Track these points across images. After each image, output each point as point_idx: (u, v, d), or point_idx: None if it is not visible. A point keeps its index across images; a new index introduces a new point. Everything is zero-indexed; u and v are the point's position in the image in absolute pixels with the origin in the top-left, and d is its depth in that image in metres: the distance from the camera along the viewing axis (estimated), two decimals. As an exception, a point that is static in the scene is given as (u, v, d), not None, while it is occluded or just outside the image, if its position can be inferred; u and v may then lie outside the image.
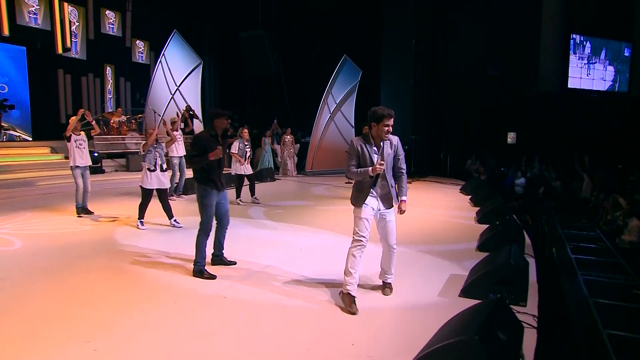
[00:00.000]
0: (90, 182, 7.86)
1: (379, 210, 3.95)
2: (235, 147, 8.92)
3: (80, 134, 7.67)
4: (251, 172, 9.11)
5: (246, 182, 9.16)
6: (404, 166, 4.09)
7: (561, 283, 4.65)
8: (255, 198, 9.20)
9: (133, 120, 14.65)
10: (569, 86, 18.97)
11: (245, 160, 8.91)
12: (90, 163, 7.84)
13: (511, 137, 18.76)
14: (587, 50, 18.92)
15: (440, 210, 8.82)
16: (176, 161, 9.52)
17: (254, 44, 15.07)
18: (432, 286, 4.47)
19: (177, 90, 16.33)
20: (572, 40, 18.61)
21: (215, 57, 18.87)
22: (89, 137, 8.07)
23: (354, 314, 3.72)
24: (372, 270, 4.60)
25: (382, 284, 4.30)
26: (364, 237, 3.85)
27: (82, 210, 7.80)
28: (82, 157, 7.60)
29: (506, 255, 4.20)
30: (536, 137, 17.50)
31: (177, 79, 16.42)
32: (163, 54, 15.86)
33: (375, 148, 3.91)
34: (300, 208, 8.90)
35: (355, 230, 3.87)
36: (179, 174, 9.53)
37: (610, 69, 19.31)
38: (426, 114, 16.73)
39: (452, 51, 17.17)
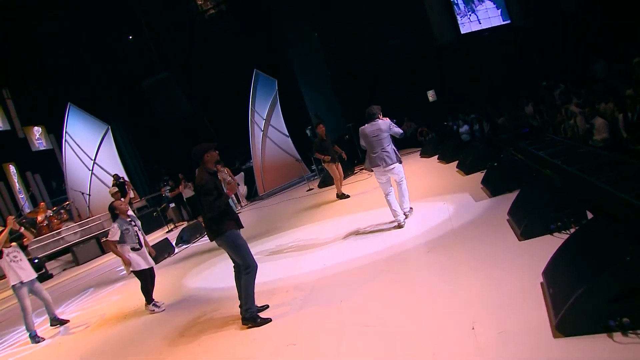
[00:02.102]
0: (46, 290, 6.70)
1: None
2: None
3: (11, 246, 6.38)
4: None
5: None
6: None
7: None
8: None
9: (62, 211, 13.17)
10: (462, 33, 20.10)
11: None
12: (35, 275, 6.52)
13: (431, 95, 19.49)
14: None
15: (421, 179, 8.71)
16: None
17: (161, 89, 14.19)
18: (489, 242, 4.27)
19: (95, 164, 15.04)
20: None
21: (123, 116, 17.57)
22: (23, 247, 6.83)
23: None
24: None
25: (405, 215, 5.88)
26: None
27: (56, 321, 6.70)
28: (23, 271, 6.29)
29: (546, 183, 4.09)
30: (452, 87, 18.29)
31: (89, 152, 15.11)
32: (65, 132, 14.52)
33: None
34: (292, 231, 8.36)
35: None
36: None
37: (490, 4, 20.69)
38: (352, 98, 16.84)
39: (354, 32, 17.47)
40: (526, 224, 4.02)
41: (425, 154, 11.12)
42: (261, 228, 9.08)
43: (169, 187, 15.42)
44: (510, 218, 4.56)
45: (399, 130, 5.97)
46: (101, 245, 12.28)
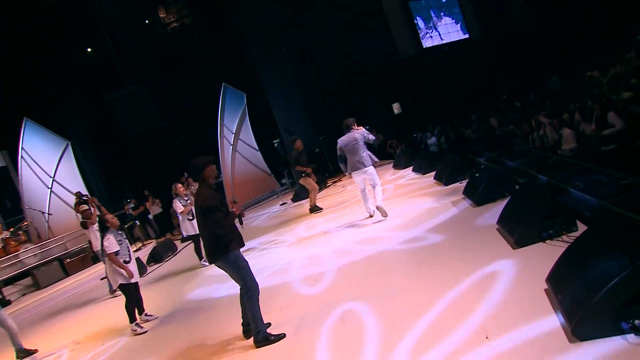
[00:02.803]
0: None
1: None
2: (179, 207, 7.91)
3: None
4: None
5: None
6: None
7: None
8: (204, 260, 8.20)
9: (20, 232, 12.38)
10: (424, 47, 20.78)
11: (193, 217, 7.95)
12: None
13: (396, 108, 19.94)
14: (428, 9, 20.90)
15: (399, 190, 8.83)
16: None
17: (126, 103, 13.73)
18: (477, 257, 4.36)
19: (54, 182, 14.29)
20: (411, 5, 20.38)
21: (84, 131, 16.81)
22: None
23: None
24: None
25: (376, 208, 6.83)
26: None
27: (23, 353, 6.25)
28: None
29: (536, 191, 4.24)
30: (417, 100, 18.80)
31: (48, 169, 14.35)
32: (22, 148, 13.74)
33: None
34: (274, 245, 8.23)
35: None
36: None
37: (449, 20, 21.53)
38: (322, 111, 16.95)
39: (322, 46, 17.68)
40: (519, 232, 4.14)
41: (399, 165, 11.29)
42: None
43: (132, 205, 14.89)
44: (501, 227, 4.69)
45: (372, 137, 6.95)
46: (64, 267, 11.64)
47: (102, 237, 5.58)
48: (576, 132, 7.39)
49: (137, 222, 14.51)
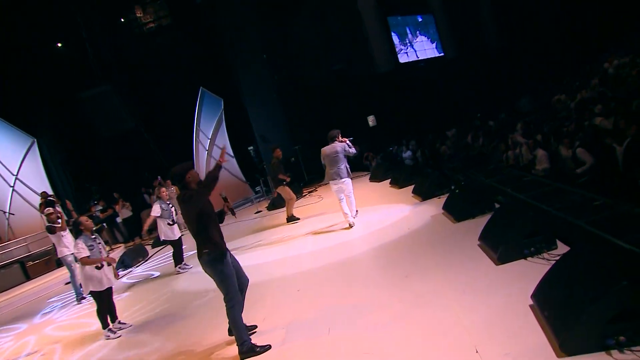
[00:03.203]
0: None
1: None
2: (157, 210, 7.71)
3: None
4: (179, 235, 7.95)
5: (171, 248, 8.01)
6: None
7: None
8: (185, 264, 8.04)
9: (-22, 233, 11.77)
10: (400, 62, 21.23)
11: (173, 222, 7.79)
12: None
13: (371, 120, 20.21)
14: (404, 26, 21.40)
15: (378, 203, 8.90)
16: (70, 258, 7.82)
17: (100, 102, 13.34)
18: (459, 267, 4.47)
19: (17, 180, 13.68)
20: (389, 21, 20.82)
21: (52, 129, 16.16)
22: None
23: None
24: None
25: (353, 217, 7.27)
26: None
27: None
28: None
29: (518, 210, 4.39)
30: (392, 113, 19.14)
31: (11, 167, 13.74)
32: (-17, 144, 13.14)
33: None
34: (255, 246, 8.13)
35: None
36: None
37: (424, 38, 22.11)
38: (299, 120, 17.00)
39: (302, 55, 17.78)
40: (502, 249, 4.27)
41: (376, 178, 11.42)
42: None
43: (100, 207, 14.42)
44: (483, 243, 4.82)
45: (353, 150, 7.32)
46: (26, 270, 11.11)
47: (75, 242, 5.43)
48: (550, 153, 7.70)
49: (104, 224, 14.05)
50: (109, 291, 5.55)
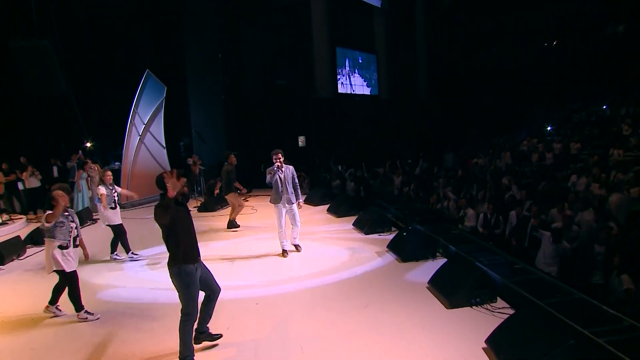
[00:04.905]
0: None
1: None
2: (102, 193, 7.30)
3: None
4: (120, 222, 7.63)
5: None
6: (296, 181, 7.28)
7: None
8: (117, 254, 7.73)
9: None
10: (339, 91, 22.30)
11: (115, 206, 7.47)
12: None
13: (301, 141, 20.85)
14: (347, 59, 22.56)
15: (320, 232, 9.06)
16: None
17: (33, 57, 12.10)
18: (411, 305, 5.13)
19: None
20: (337, 52, 21.84)
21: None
22: None
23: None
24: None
25: (294, 246, 7.48)
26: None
27: None
28: None
29: (470, 264, 5.23)
30: (321, 137, 19.96)
31: None
32: None
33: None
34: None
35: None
36: None
37: (360, 79, 23.54)
38: (239, 126, 16.99)
39: (249, 64, 17.89)
40: (454, 296, 5.03)
41: (311, 202, 11.73)
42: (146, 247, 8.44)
43: (1, 170, 12.96)
44: (432, 287, 5.54)
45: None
46: None
47: None
48: (477, 212, 8.89)
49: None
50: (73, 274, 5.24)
